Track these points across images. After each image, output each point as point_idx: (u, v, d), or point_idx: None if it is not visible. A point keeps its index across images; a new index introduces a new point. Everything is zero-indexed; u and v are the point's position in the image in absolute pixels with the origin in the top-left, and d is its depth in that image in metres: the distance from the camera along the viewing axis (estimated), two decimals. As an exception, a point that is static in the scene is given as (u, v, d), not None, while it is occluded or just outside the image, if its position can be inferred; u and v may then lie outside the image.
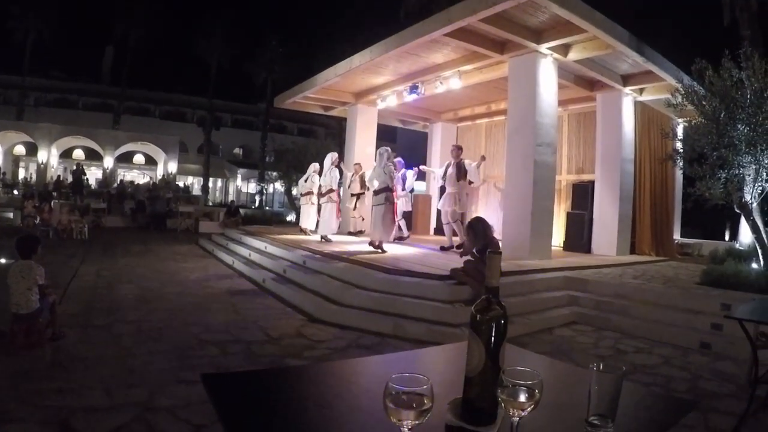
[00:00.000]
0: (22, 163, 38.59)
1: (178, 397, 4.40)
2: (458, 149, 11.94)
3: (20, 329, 5.58)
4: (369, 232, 11.35)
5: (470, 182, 11.95)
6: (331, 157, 13.14)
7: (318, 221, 13.79)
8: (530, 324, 7.30)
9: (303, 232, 14.57)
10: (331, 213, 12.92)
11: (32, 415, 3.97)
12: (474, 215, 10.38)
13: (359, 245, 11.45)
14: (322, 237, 12.80)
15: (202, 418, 3.96)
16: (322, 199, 13.18)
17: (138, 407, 4.17)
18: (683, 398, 4.23)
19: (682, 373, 5.66)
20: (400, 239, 13.30)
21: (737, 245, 13.12)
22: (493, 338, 1.35)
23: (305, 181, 14.50)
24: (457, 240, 11.47)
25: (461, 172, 11.55)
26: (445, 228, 12.05)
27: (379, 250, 10.59)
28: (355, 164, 14.34)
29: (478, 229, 7.64)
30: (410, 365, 2.09)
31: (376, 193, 10.91)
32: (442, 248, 11.56)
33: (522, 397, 1.25)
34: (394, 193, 11.18)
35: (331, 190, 12.92)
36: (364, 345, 6.38)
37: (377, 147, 12.02)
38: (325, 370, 2.14)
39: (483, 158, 12.41)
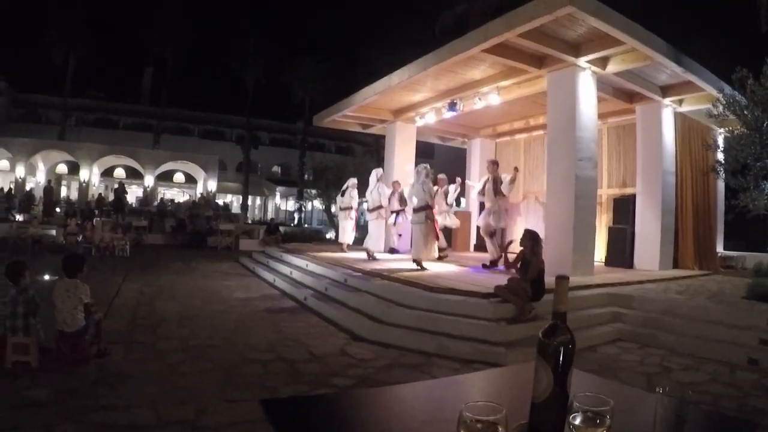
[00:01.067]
0: (64, 182, 39.31)
1: (224, 415, 4.42)
2: (493, 164, 11.86)
3: (66, 346, 5.69)
4: (411, 250, 11.26)
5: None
6: (376, 174, 13.19)
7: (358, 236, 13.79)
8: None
9: (342, 248, 14.55)
10: (379, 230, 12.92)
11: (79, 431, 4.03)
12: (515, 230, 10.25)
13: (400, 263, 11.42)
14: (367, 253, 12.74)
15: (251, 438, 3.97)
16: (371, 216, 13.21)
17: (185, 426, 4.20)
18: (743, 418, 4.11)
19: (731, 390, 5.54)
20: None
21: (781, 257, 12.83)
22: (560, 363, 1.33)
23: (342, 195, 14.50)
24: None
25: (498, 186, 11.46)
26: (487, 243, 11.92)
27: (419, 268, 10.55)
28: (394, 182, 14.28)
29: (539, 240, 7.53)
30: (467, 389, 2.07)
31: (415, 210, 10.88)
32: (484, 266, 11.37)
33: (594, 424, 1.24)
34: (434, 210, 11.12)
35: (379, 207, 12.95)
36: (408, 364, 6.33)
37: (416, 164, 12.00)
38: (381, 394, 2.12)
39: (516, 170, 12.23)
